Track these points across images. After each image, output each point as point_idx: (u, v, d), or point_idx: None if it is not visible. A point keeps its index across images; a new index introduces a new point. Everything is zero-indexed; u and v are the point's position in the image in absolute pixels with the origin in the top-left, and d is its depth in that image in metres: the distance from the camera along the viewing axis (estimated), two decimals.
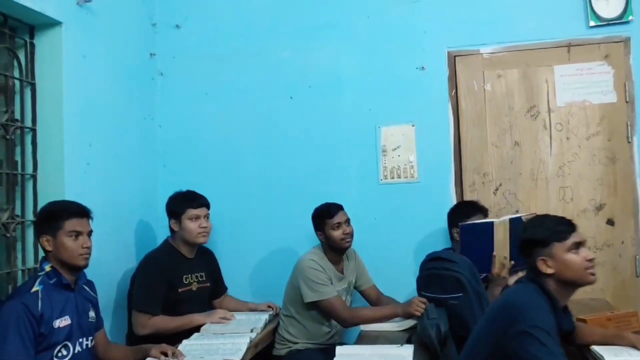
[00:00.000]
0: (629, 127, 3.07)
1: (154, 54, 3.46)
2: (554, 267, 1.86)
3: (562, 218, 1.94)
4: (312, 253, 2.85)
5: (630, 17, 3.06)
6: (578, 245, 1.87)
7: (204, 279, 2.86)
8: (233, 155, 3.40)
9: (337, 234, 2.80)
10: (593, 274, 1.87)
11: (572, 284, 1.89)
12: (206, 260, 2.95)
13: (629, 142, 3.07)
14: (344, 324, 2.78)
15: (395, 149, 3.26)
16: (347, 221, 2.85)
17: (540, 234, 1.90)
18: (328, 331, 2.85)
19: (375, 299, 3.00)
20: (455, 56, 3.25)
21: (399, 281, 3.10)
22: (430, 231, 3.20)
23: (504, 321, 1.81)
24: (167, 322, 2.61)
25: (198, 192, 2.86)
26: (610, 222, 3.08)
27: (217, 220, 2.99)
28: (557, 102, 3.15)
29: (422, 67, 3.26)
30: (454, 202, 3.17)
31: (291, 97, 3.38)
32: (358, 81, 3.31)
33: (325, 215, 2.83)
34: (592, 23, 3.10)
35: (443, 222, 3.14)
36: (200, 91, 3.47)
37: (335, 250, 2.86)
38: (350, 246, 2.88)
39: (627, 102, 3.07)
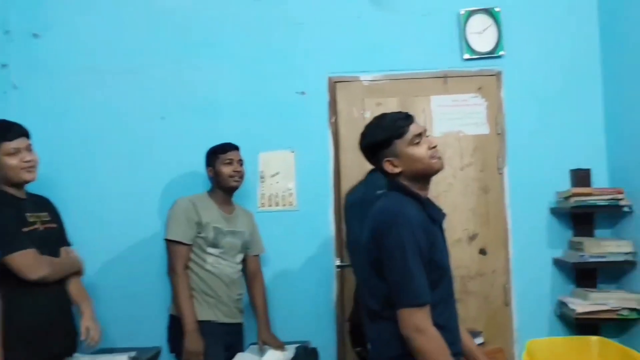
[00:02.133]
0: (499, 159, 3.15)
1: (7, 65, 3.09)
2: (401, 165, 1.79)
3: (399, 113, 1.87)
4: (193, 195, 2.75)
5: (501, 52, 3.16)
6: (419, 136, 1.81)
7: (50, 219, 2.35)
8: (96, 182, 3.11)
9: (226, 169, 2.70)
10: (438, 159, 1.82)
11: (422, 177, 1.83)
12: (43, 202, 2.42)
13: (499, 173, 3.15)
14: (169, 272, 2.64)
15: (274, 175, 3.14)
16: (240, 161, 2.77)
17: (379, 135, 1.81)
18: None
19: (251, 272, 2.85)
20: (335, 82, 3.20)
21: (277, 313, 2.97)
22: (307, 257, 3.10)
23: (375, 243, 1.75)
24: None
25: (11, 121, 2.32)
26: (482, 251, 3.14)
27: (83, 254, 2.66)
28: (433, 132, 3.17)
29: (302, 92, 3.17)
30: (333, 231, 3.10)
31: (163, 118, 3.15)
32: (236, 104, 3.17)
33: (219, 150, 2.73)
34: (466, 56, 3.17)
35: (323, 251, 3.06)
36: (61, 107, 3.15)
37: (224, 189, 2.73)
38: (238, 186, 2.77)
39: (498, 134, 3.16)
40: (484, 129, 3.18)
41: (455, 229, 3.13)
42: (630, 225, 2.92)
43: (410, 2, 3.21)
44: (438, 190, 3.11)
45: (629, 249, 2.85)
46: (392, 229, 1.70)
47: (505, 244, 3.13)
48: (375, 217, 1.79)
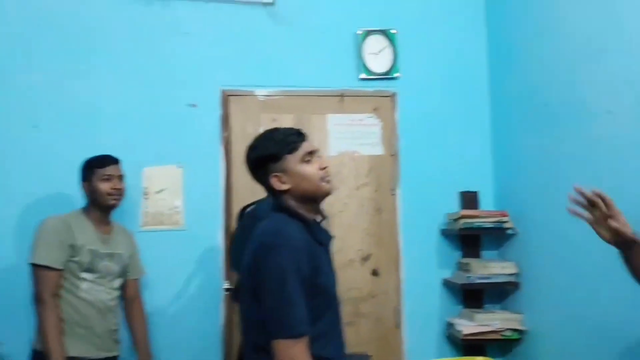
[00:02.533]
0: (393, 180, 3.15)
1: None
2: (289, 182, 1.69)
3: (291, 129, 1.78)
4: (66, 214, 2.44)
5: (396, 74, 3.18)
6: (311, 154, 1.73)
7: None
8: None
9: (104, 186, 2.42)
10: (327, 182, 1.72)
11: (310, 197, 1.72)
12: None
13: (392, 194, 3.15)
14: (35, 301, 2.30)
15: (159, 192, 2.93)
16: (120, 177, 2.49)
17: (270, 148, 1.71)
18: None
19: (130, 297, 2.59)
20: (229, 95, 3.06)
21: (159, 342, 2.74)
22: (193, 280, 2.91)
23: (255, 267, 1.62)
24: None
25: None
26: (375, 272, 3.11)
27: None
28: (329, 151, 3.12)
29: (193, 105, 3.00)
30: (222, 252, 2.94)
31: (35, 126, 2.85)
32: (118, 114, 2.93)
33: (96, 164, 2.45)
34: (363, 76, 3.16)
35: (210, 274, 2.89)
36: None
37: (100, 207, 2.45)
38: (117, 205, 2.49)
39: (392, 155, 3.16)
40: (379, 150, 3.17)
41: (349, 249, 3.09)
42: (514, 247, 3.01)
43: (309, 19, 3.16)
44: (334, 210, 3.05)
45: (512, 270, 2.94)
46: (271, 252, 1.58)
47: (397, 265, 3.12)
48: (256, 239, 1.67)
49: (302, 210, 1.72)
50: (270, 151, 1.71)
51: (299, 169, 1.70)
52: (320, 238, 1.74)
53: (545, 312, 2.73)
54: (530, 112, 2.83)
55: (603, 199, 1.60)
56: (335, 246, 3.03)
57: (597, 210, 1.62)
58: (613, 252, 2.20)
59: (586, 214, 1.65)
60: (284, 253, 1.57)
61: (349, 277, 3.06)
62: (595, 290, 2.34)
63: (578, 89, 2.44)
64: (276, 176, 1.70)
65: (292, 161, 1.70)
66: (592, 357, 2.35)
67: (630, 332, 2.13)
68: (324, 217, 1.83)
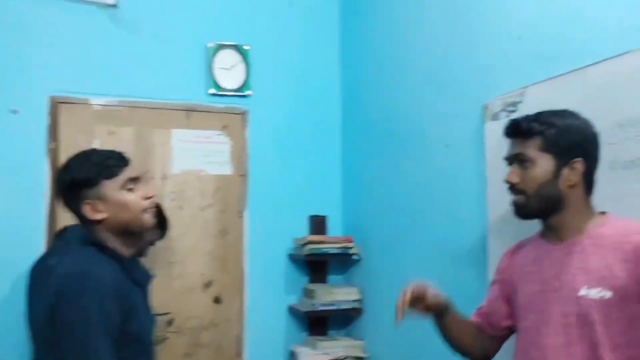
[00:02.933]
0: (240, 201, 3.01)
1: None
2: (105, 210, 1.49)
3: (113, 151, 1.57)
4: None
5: (248, 91, 3.06)
6: (134, 181, 1.54)
7: None
8: None
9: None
10: (149, 214, 1.56)
11: (128, 230, 1.53)
12: None
13: (240, 217, 3.01)
14: None
15: None
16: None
17: (85, 172, 1.50)
18: None
19: None
20: (59, 103, 2.74)
21: None
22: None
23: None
24: None
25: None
26: (217, 299, 2.94)
27: None
28: (172, 169, 2.91)
29: (14, 111, 2.64)
30: None
31: None
32: None
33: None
34: (212, 91, 3.00)
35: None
36: None
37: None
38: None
39: (241, 175, 3.03)
40: (227, 169, 3.02)
41: (190, 275, 2.89)
42: (358, 273, 3.01)
43: (156, 26, 2.94)
44: (175, 233, 2.84)
45: (356, 296, 2.92)
46: (73, 300, 1.36)
47: (242, 291, 2.98)
48: (56, 280, 1.43)
49: (116, 245, 1.52)
50: (84, 174, 1.50)
51: (119, 197, 1.51)
52: (136, 278, 1.55)
53: (386, 338, 2.74)
54: (378, 139, 2.85)
55: (413, 292, 1.59)
56: (175, 272, 2.85)
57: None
58: (450, 280, 2.25)
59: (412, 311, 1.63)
60: (89, 301, 1.36)
61: (189, 306, 2.86)
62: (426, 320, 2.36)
63: (420, 121, 2.48)
64: (89, 203, 1.49)
65: (111, 187, 1.51)
66: None
67: None
68: (141, 254, 1.65)
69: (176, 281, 2.86)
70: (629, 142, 1.49)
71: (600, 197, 1.54)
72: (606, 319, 1.23)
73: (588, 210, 1.39)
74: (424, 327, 2.42)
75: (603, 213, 1.40)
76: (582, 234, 1.35)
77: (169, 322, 2.83)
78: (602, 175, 1.52)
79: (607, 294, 1.23)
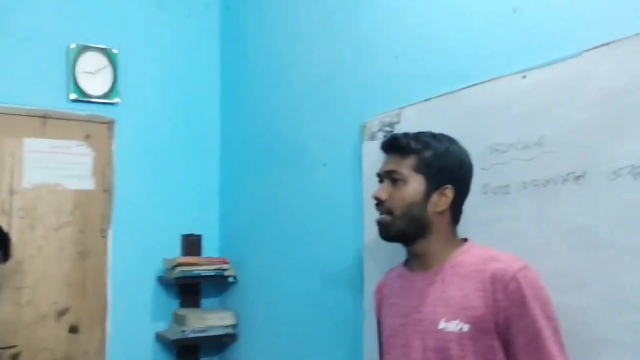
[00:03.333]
0: (104, 219, 2.73)
1: None
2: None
3: None
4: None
5: (116, 99, 2.80)
6: None
7: None
8: None
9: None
10: None
11: None
12: None
13: (103, 237, 2.73)
14: None
15: None
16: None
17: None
18: None
19: None
20: None
21: None
22: None
23: None
24: None
25: None
26: (73, 329, 2.63)
27: None
28: (23, 183, 2.58)
29: None
30: None
31: None
32: None
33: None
34: (73, 96, 2.70)
35: None
36: None
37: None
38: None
39: (105, 190, 2.75)
40: (89, 184, 2.73)
41: (42, 302, 2.57)
42: (234, 296, 2.84)
43: (9, 20, 2.60)
44: (24, 255, 2.51)
45: (231, 321, 2.75)
46: None
47: (103, 319, 2.69)
48: None
49: None
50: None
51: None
52: None
53: None
54: (257, 155, 2.72)
55: None
56: (23, 298, 2.51)
57: None
58: (327, 303, 2.16)
59: None
60: None
61: (40, 337, 2.54)
62: (308, 344, 2.26)
63: (300, 138, 2.39)
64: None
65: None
66: None
67: None
68: None
69: (25, 309, 2.52)
70: (499, 168, 1.48)
71: (471, 221, 1.52)
72: (464, 353, 1.19)
73: (452, 238, 1.36)
74: (296, 354, 2.32)
75: (465, 240, 1.37)
76: (444, 262, 1.32)
77: (14, 357, 2.48)
78: (473, 199, 1.49)
79: (465, 327, 1.20)
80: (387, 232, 1.36)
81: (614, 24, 1.26)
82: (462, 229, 1.55)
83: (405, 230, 1.34)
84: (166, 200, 2.89)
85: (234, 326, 2.75)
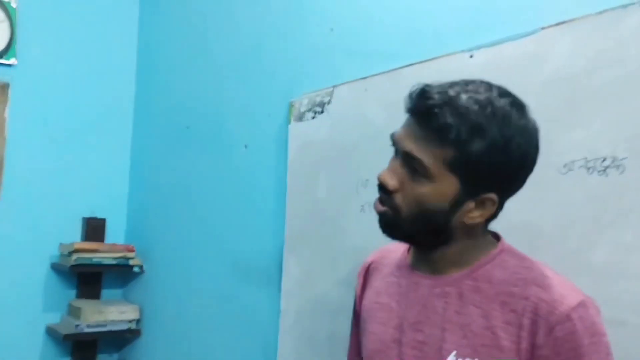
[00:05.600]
0: None
1: None
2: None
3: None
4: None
5: (12, 60, 2.45)
6: None
7: None
8: None
9: None
10: None
11: None
12: None
13: None
14: None
15: None
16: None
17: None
18: None
19: None
20: None
21: None
22: None
23: None
24: None
25: None
26: None
27: None
28: None
29: None
30: None
31: None
32: None
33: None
34: None
35: None
36: None
37: None
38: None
39: None
40: None
41: None
42: (139, 288, 2.57)
43: None
44: None
45: (133, 316, 2.48)
46: None
47: None
48: None
49: None
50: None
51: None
52: None
53: None
54: (173, 134, 2.46)
55: None
56: None
57: None
58: (242, 298, 1.95)
59: None
60: None
61: None
62: (218, 343, 2.04)
63: (220, 116, 2.16)
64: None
65: None
66: None
67: None
68: None
69: None
70: None
71: None
72: None
73: (481, 238, 0.93)
74: (204, 354, 2.10)
75: (496, 237, 0.95)
76: (463, 269, 0.90)
77: None
78: None
79: None
80: (388, 231, 0.94)
81: (574, 0, 1.13)
82: None
83: (414, 236, 0.93)
84: (66, 177, 2.57)
85: (137, 321, 2.49)
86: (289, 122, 1.79)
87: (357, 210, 1.52)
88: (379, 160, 1.49)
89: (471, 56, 1.29)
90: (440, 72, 1.34)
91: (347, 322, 1.50)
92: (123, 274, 2.63)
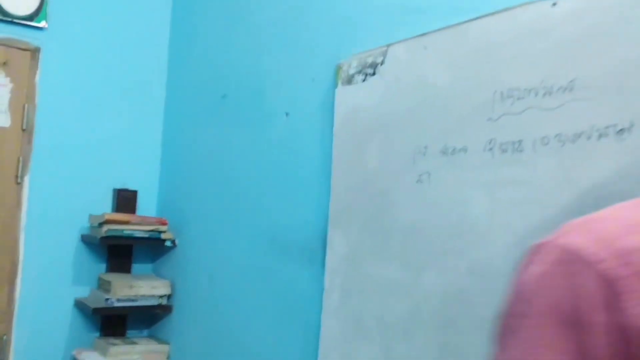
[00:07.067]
0: (21, 163, 2.31)
1: None
2: None
3: None
4: None
5: (43, 23, 2.36)
6: None
7: None
8: None
9: None
10: None
11: None
12: None
13: (18, 183, 2.31)
14: None
15: None
16: None
17: None
18: None
19: None
20: None
21: None
22: None
23: None
24: None
25: None
26: None
27: None
28: None
29: None
30: None
31: None
32: None
33: None
34: None
35: None
36: None
37: None
38: None
39: (23, 129, 2.32)
40: (3, 120, 2.29)
41: None
42: (170, 263, 2.48)
43: None
44: None
45: (165, 291, 2.39)
46: None
47: (13, 279, 2.29)
48: None
49: None
50: None
51: None
52: None
53: (195, 343, 2.25)
54: (209, 102, 2.34)
55: None
56: None
57: None
58: (280, 277, 1.84)
59: None
60: None
61: None
62: (254, 322, 1.93)
63: (260, 83, 2.03)
64: None
65: None
66: None
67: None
68: None
69: None
70: (511, 119, 1.18)
71: (469, 185, 1.22)
72: None
73: None
74: (238, 334, 1.99)
75: None
76: None
77: None
78: (474, 158, 1.20)
79: None
80: None
81: None
82: (458, 193, 1.25)
83: None
84: (97, 147, 2.49)
85: (168, 297, 2.40)
86: (335, 86, 1.65)
87: (412, 182, 1.38)
88: (441, 126, 1.35)
89: (554, 4, 1.13)
90: (515, 27, 1.19)
91: (399, 304, 1.37)
92: (154, 248, 2.54)
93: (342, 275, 1.56)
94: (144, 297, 2.35)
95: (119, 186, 2.53)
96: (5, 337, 2.26)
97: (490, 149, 1.21)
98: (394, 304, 1.39)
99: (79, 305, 2.39)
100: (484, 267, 1.19)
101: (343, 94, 1.62)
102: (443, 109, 1.33)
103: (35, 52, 2.35)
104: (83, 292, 2.44)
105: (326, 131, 1.68)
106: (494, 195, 1.18)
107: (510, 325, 0.56)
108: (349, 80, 1.60)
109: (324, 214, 1.65)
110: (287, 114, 1.88)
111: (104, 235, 2.27)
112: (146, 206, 2.59)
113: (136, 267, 2.56)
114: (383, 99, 1.49)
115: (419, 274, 1.33)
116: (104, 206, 2.49)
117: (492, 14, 1.24)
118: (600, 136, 1.02)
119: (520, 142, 1.16)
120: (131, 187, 2.56)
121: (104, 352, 2.28)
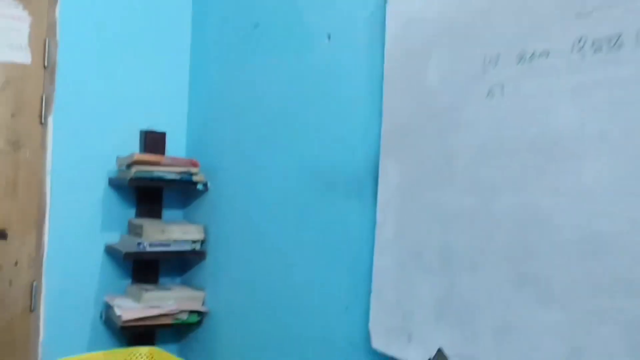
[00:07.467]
0: (44, 102, 2.19)
1: None
2: None
3: None
4: None
5: None
6: None
7: None
8: None
9: None
10: None
11: None
12: None
13: (42, 123, 2.20)
14: None
15: None
16: None
17: None
18: None
19: None
20: None
21: None
22: None
23: None
24: None
25: None
26: (1, 235, 2.13)
27: None
28: None
29: None
30: None
31: None
32: None
33: None
34: None
35: None
36: None
37: None
38: None
39: (45, 67, 2.19)
40: (24, 56, 2.17)
41: None
42: (203, 207, 2.37)
43: None
44: None
45: (198, 236, 2.29)
46: None
47: (40, 224, 2.20)
48: None
49: None
50: None
51: None
52: None
53: (231, 289, 2.15)
54: (237, 35, 2.18)
55: None
56: None
57: None
58: (326, 215, 1.72)
59: None
60: None
61: None
62: (296, 264, 1.82)
63: (296, 6, 1.86)
64: None
65: None
66: (276, 341, 1.84)
67: (325, 311, 1.65)
68: None
69: None
70: (606, 12, 1.00)
71: (556, 89, 1.06)
72: None
73: None
74: (279, 279, 1.89)
75: None
76: None
77: None
78: (562, 59, 1.04)
79: None
80: None
81: None
82: (538, 104, 1.09)
83: None
84: (123, 86, 2.36)
85: (201, 242, 2.30)
86: (386, 0, 1.48)
87: (482, 96, 1.22)
88: (516, 29, 1.18)
89: None
90: None
91: (465, 234, 1.24)
92: (186, 191, 2.43)
93: (396, 208, 1.42)
94: (176, 242, 2.25)
95: (145, 127, 2.41)
96: (35, 283, 2.18)
97: (580, 49, 1.04)
98: (459, 233, 1.26)
99: (110, 250, 2.30)
100: (571, 185, 1.04)
101: (396, 5, 1.45)
102: (519, 8, 1.15)
103: None
104: (113, 237, 2.35)
105: (376, 50, 1.52)
106: (584, 102, 1.02)
107: None
108: None
109: (373, 142, 1.50)
110: (329, 37, 1.71)
111: (132, 176, 2.16)
112: (175, 149, 2.48)
113: (167, 213, 2.45)
114: (445, 4, 1.32)
115: (490, 198, 1.19)
116: (131, 148, 2.38)
117: None
118: None
119: (619, 36, 0.99)
120: (159, 129, 2.43)
121: (137, 298, 2.20)
